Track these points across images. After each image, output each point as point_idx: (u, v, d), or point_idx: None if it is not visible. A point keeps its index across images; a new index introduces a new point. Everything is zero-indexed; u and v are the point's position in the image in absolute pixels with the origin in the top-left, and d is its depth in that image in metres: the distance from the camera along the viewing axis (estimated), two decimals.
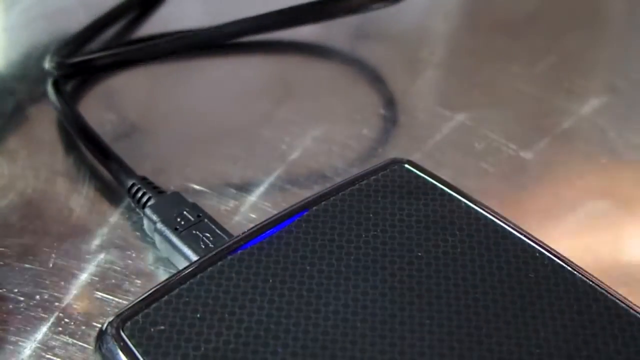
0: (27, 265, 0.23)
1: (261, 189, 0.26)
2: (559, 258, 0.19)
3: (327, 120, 0.29)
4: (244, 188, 0.26)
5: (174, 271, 0.21)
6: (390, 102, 0.31)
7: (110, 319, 0.17)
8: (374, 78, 0.33)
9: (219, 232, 0.22)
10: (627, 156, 0.28)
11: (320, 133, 0.29)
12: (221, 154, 0.28)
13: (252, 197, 0.26)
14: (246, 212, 0.25)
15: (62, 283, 0.22)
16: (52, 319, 0.21)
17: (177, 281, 0.18)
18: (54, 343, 0.21)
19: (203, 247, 0.21)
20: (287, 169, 0.27)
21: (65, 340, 0.21)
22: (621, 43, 0.36)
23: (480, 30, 0.36)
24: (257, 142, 0.28)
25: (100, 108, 0.30)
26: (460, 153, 0.27)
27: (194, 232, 0.22)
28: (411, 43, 0.35)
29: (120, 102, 0.31)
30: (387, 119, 0.30)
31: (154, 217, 0.23)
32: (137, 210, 0.24)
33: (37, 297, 0.22)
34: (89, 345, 0.21)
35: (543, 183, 0.26)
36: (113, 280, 0.22)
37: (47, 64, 0.30)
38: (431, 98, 0.31)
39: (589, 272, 0.18)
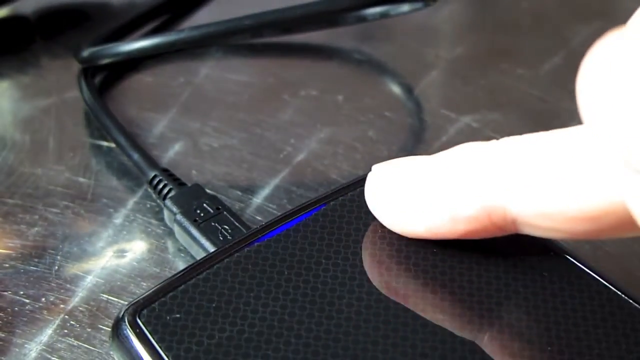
0: (32, 268, 0.23)
1: (266, 191, 0.26)
2: (569, 254, 0.19)
3: (333, 122, 0.29)
4: (250, 190, 0.26)
5: (192, 261, 0.21)
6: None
7: (127, 306, 0.17)
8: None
9: (237, 224, 0.22)
10: None
11: (325, 135, 0.29)
12: (226, 156, 0.27)
13: (258, 199, 0.26)
14: (251, 214, 0.25)
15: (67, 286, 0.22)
16: (57, 321, 0.21)
17: (193, 271, 0.18)
18: (59, 345, 0.21)
19: (221, 238, 0.22)
20: (293, 171, 0.27)
21: (70, 342, 0.21)
22: None
23: (485, 31, 0.36)
24: (262, 144, 0.28)
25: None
26: None
27: (212, 224, 0.22)
28: (416, 45, 0.35)
29: (129, 99, 0.31)
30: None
31: (174, 209, 0.23)
32: (158, 201, 0.24)
33: (43, 299, 0.22)
34: (95, 347, 0.21)
35: None
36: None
37: (76, 55, 0.31)
38: (437, 100, 0.31)
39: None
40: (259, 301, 0.17)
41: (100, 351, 0.20)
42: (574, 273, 0.18)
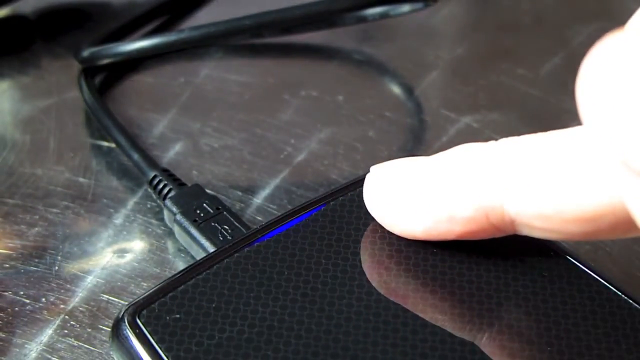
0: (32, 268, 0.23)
1: (267, 192, 0.26)
2: (569, 254, 0.19)
3: (333, 123, 0.29)
4: (250, 190, 0.26)
5: (192, 261, 0.21)
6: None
7: (127, 306, 0.17)
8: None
9: (237, 224, 0.22)
10: None
11: (325, 135, 0.29)
12: (227, 156, 0.27)
13: (258, 200, 0.26)
14: (251, 214, 0.25)
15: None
16: (57, 321, 0.21)
17: (193, 271, 0.18)
18: (59, 345, 0.21)
19: (221, 238, 0.22)
20: (293, 171, 0.27)
21: (71, 342, 0.21)
22: None
23: (486, 32, 0.36)
24: (262, 145, 0.28)
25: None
26: None
27: (212, 224, 0.22)
28: (417, 45, 0.35)
29: (129, 100, 0.31)
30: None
31: (174, 209, 0.23)
32: (158, 201, 0.24)
33: (43, 299, 0.22)
34: (95, 347, 0.21)
35: None
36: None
37: (76, 55, 0.31)
38: (437, 100, 0.31)
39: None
40: (258, 301, 0.17)
41: (100, 351, 0.20)
42: (574, 273, 0.18)
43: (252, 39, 0.34)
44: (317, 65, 0.34)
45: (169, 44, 0.30)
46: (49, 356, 0.20)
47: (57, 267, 0.23)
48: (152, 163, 0.26)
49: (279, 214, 0.21)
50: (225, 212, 0.23)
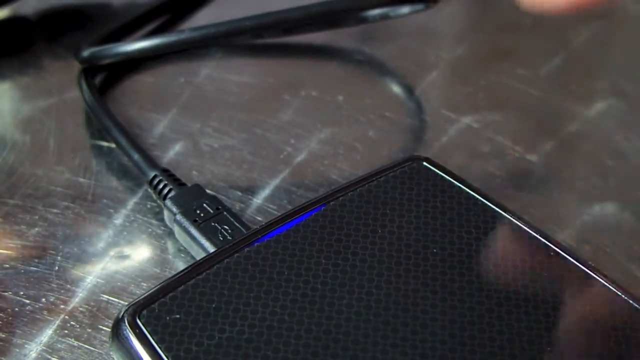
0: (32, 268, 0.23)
1: (267, 192, 0.26)
2: (574, 258, 0.19)
3: (333, 122, 0.29)
4: (250, 190, 0.26)
5: (192, 262, 0.21)
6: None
7: (127, 307, 0.17)
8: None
9: (237, 224, 0.22)
10: (633, 159, 0.28)
11: (325, 135, 0.29)
12: (227, 156, 0.28)
13: (258, 200, 0.26)
14: (251, 214, 0.25)
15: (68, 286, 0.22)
16: (57, 322, 0.21)
17: (193, 271, 0.18)
18: (59, 346, 0.21)
19: (221, 239, 0.22)
20: (293, 171, 0.27)
21: (71, 342, 0.21)
22: (627, 45, 0.35)
23: (486, 32, 0.36)
24: (262, 145, 0.28)
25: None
26: (466, 155, 0.27)
27: (212, 224, 0.22)
28: (417, 45, 0.35)
29: (129, 100, 0.31)
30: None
31: (174, 209, 0.23)
32: (158, 201, 0.24)
33: (43, 299, 0.22)
34: (95, 348, 0.21)
35: (548, 186, 0.26)
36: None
37: (76, 55, 0.31)
38: (437, 100, 0.31)
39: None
40: (258, 302, 0.17)
41: (100, 352, 0.20)
42: (573, 273, 0.18)
43: (252, 39, 0.34)
44: (317, 65, 0.34)
45: (169, 44, 0.30)
46: (49, 356, 0.20)
47: (57, 268, 0.23)
48: (152, 163, 0.26)
49: (279, 214, 0.21)
50: (225, 212, 0.23)
